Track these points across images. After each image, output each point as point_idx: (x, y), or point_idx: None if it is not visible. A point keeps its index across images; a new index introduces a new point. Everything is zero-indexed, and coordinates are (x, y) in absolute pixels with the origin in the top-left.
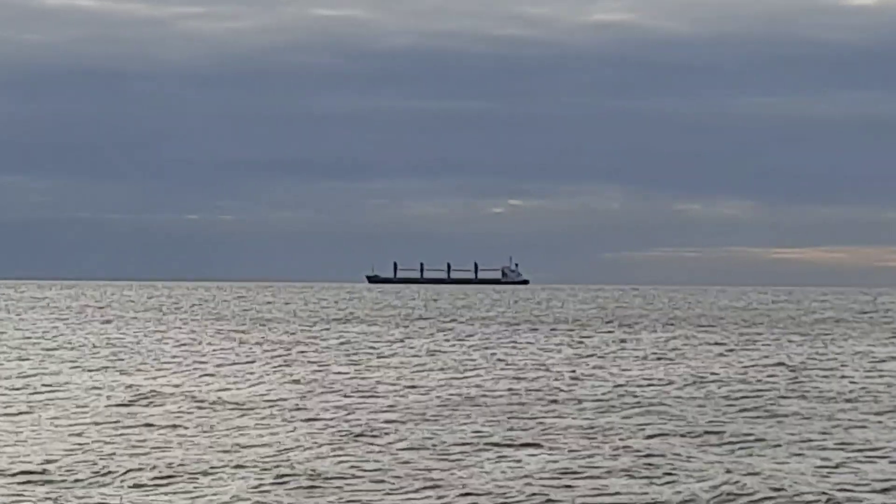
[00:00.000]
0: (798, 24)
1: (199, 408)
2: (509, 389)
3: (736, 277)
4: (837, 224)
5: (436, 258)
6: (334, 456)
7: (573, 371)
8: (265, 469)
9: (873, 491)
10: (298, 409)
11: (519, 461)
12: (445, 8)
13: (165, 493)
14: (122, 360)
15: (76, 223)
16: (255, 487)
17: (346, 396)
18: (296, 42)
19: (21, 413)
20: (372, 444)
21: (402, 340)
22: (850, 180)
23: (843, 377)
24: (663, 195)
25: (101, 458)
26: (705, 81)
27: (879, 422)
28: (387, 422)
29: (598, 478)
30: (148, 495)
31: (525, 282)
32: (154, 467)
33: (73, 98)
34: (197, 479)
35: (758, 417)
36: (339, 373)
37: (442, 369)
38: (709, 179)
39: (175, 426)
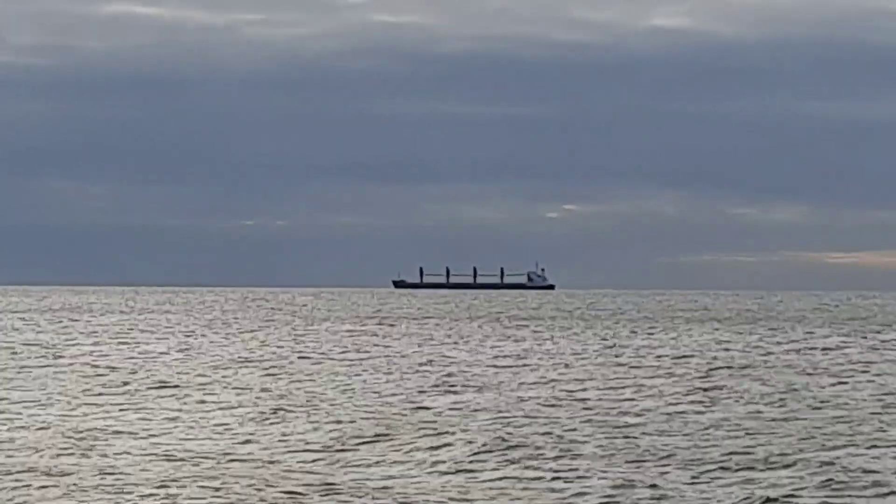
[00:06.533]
0: (856, 27)
1: None
2: None
3: (792, 282)
4: (894, 228)
5: (489, 263)
6: None
7: None
8: None
9: None
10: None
11: None
12: (505, 13)
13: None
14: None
15: (133, 229)
16: None
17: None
18: (355, 47)
19: None
20: None
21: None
22: None
23: None
24: (718, 199)
25: None
26: (761, 86)
27: None
28: None
29: None
30: None
31: (551, 287)
32: None
33: (134, 104)
34: None
35: None
36: None
37: None
38: (764, 184)
39: None
